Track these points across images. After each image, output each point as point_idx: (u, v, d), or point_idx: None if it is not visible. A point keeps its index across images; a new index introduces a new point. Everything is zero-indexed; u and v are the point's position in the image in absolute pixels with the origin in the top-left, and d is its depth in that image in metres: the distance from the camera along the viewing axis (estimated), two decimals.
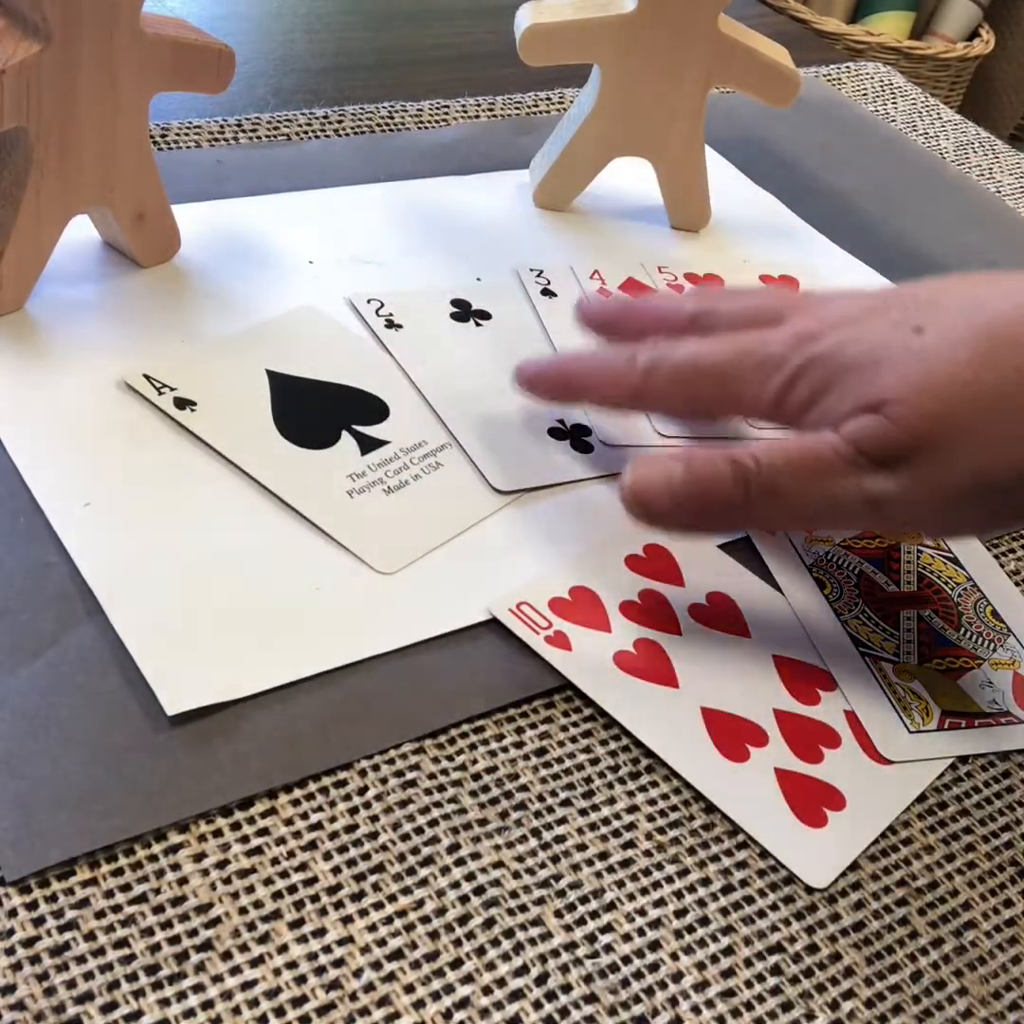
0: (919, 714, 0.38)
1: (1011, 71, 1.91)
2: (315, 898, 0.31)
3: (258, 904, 0.30)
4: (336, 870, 0.31)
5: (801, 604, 0.41)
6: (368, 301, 0.49)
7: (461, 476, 0.43)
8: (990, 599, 0.43)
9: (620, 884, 0.33)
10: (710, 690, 0.38)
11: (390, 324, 0.48)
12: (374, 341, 0.48)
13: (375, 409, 0.44)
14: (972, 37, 1.78)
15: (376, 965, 0.30)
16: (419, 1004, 0.29)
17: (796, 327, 0.38)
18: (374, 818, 0.33)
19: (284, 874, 0.31)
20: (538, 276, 0.53)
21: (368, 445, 0.43)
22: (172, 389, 0.42)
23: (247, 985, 0.29)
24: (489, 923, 0.31)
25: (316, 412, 0.43)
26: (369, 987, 0.29)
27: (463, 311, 0.50)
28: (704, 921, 0.33)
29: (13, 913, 0.29)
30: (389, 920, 0.31)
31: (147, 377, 0.43)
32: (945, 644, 0.41)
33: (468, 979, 0.30)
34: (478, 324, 0.49)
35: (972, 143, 0.76)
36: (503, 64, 0.67)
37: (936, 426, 0.34)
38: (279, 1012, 0.29)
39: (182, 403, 0.42)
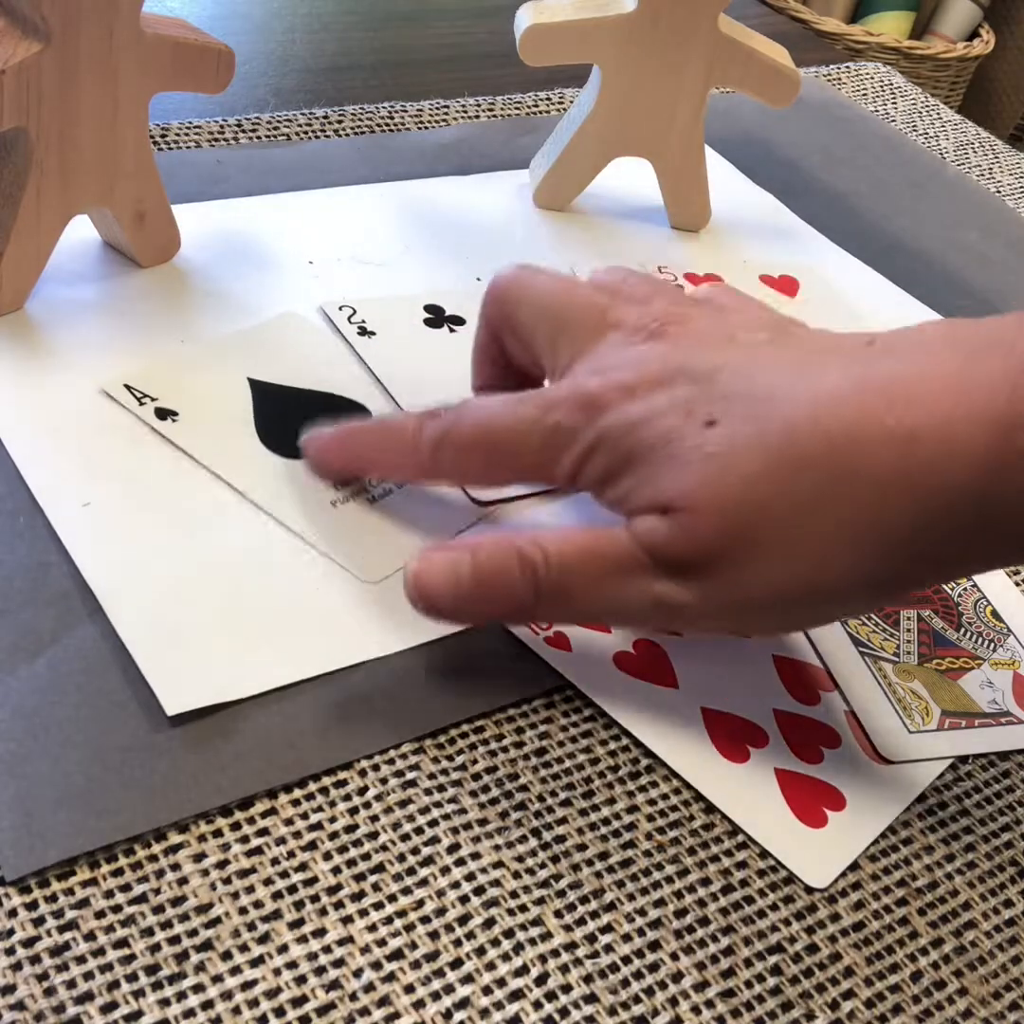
0: (919, 714, 0.38)
1: (1011, 71, 1.91)
2: (315, 898, 0.31)
3: (258, 904, 0.30)
4: (336, 870, 0.31)
5: None
6: (339, 308, 0.48)
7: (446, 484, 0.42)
8: (990, 599, 0.43)
9: (620, 884, 0.33)
10: (710, 690, 0.38)
11: (362, 331, 0.48)
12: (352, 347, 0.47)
13: (357, 417, 0.44)
14: (972, 37, 1.78)
15: (376, 965, 0.30)
16: (419, 1004, 0.29)
17: (581, 389, 0.35)
18: (374, 818, 0.33)
19: (284, 874, 0.31)
20: None
21: None
22: (153, 399, 0.42)
23: (247, 985, 0.29)
24: (489, 923, 0.31)
25: (299, 420, 0.43)
26: (369, 987, 0.29)
27: (436, 317, 0.50)
28: (704, 921, 0.33)
29: (13, 913, 0.29)
30: (389, 920, 0.31)
31: (128, 387, 0.42)
32: (945, 644, 0.41)
33: (468, 979, 0.30)
34: (452, 330, 0.49)
35: (972, 143, 0.76)
36: (503, 64, 0.67)
37: (726, 541, 0.32)
38: (279, 1012, 0.29)
39: (163, 414, 0.42)
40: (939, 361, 0.32)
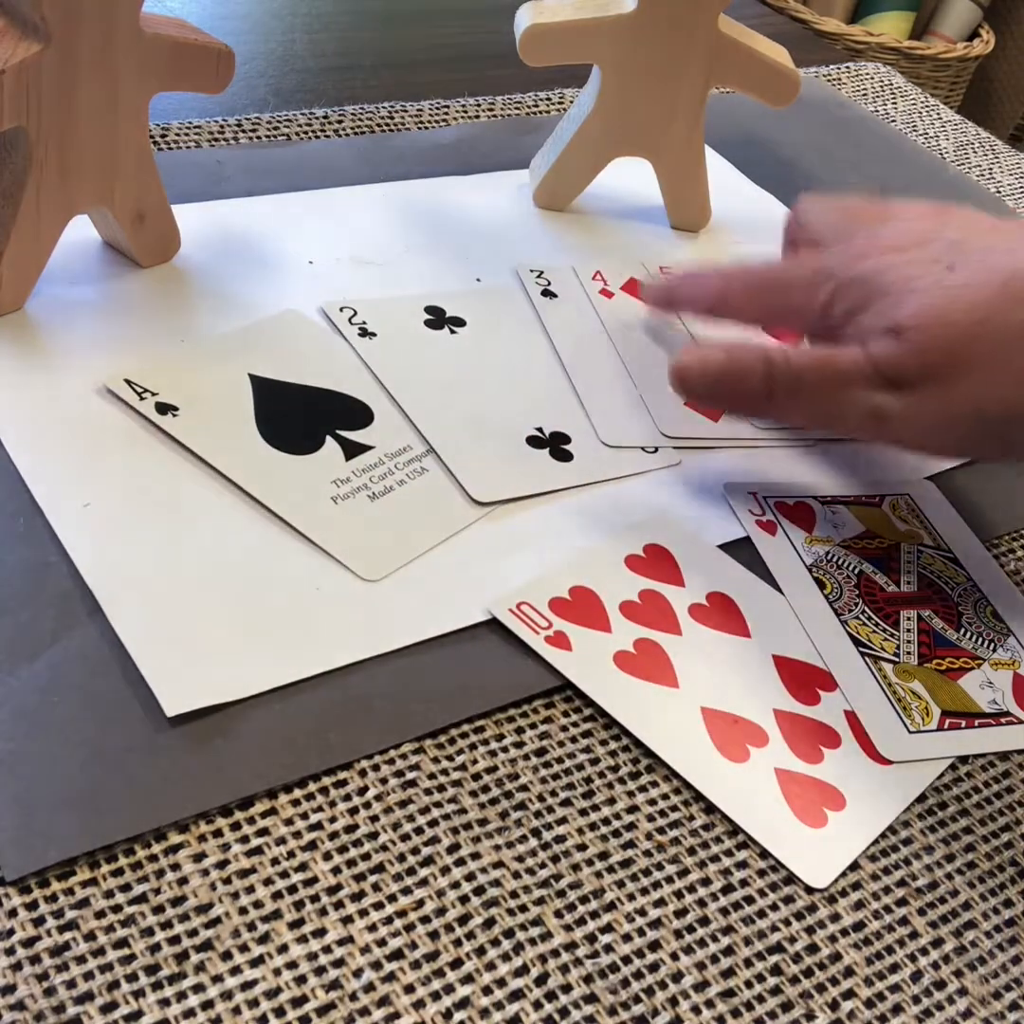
0: (919, 714, 0.38)
1: (1011, 71, 1.91)
2: (315, 898, 0.31)
3: (258, 904, 0.30)
4: (336, 870, 0.31)
5: (801, 604, 0.41)
6: (341, 309, 0.48)
7: (446, 482, 0.42)
8: (990, 599, 0.43)
9: (620, 884, 0.33)
10: (710, 690, 0.38)
11: (364, 333, 0.48)
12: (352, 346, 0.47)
13: (359, 414, 0.44)
14: (972, 37, 1.78)
15: (376, 965, 0.30)
16: (419, 1004, 0.29)
17: (853, 246, 0.43)
18: (374, 818, 0.33)
19: (284, 874, 0.31)
20: (538, 277, 0.53)
21: (352, 450, 0.42)
22: (154, 394, 0.42)
23: (247, 985, 0.29)
24: (489, 923, 0.31)
25: (300, 417, 0.43)
26: (369, 987, 0.29)
27: (437, 319, 0.50)
28: (704, 921, 0.33)
29: (13, 913, 0.29)
30: (389, 920, 0.31)
31: (129, 382, 0.42)
32: (945, 644, 0.41)
33: (468, 979, 0.30)
34: (452, 332, 0.49)
35: (972, 143, 0.76)
36: (503, 64, 0.67)
37: (945, 357, 0.38)
38: (279, 1012, 0.29)
39: (164, 408, 0.42)
40: None
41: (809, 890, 0.34)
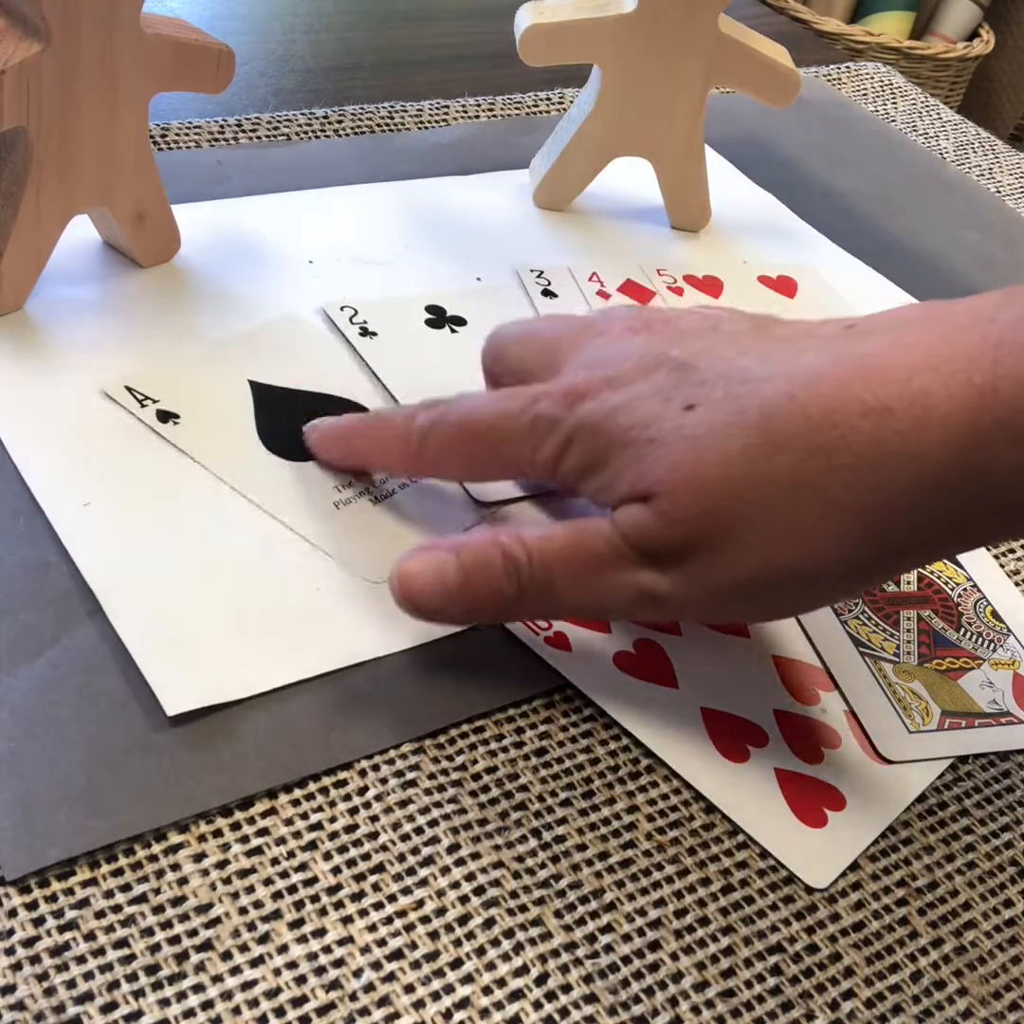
0: (919, 714, 0.38)
1: (1011, 71, 1.91)
2: (315, 898, 0.31)
3: (258, 904, 0.30)
4: (336, 870, 0.31)
5: None
6: (341, 309, 0.48)
7: (448, 485, 0.42)
8: (990, 599, 0.43)
9: (620, 884, 0.33)
10: (710, 690, 0.38)
11: (364, 332, 0.48)
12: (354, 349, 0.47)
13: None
14: (972, 37, 1.78)
15: (376, 965, 0.30)
16: (419, 1004, 0.29)
17: (565, 382, 0.36)
18: (374, 818, 0.33)
19: (284, 874, 0.31)
20: (539, 277, 0.53)
21: None
22: (154, 401, 0.42)
23: (247, 985, 0.29)
24: (489, 923, 0.31)
25: (300, 422, 0.43)
26: (369, 987, 0.29)
27: (438, 318, 0.50)
28: (704, 921, 0.33)
29: (13, 913, 0.29)
30: (389, 920, 0.31)
31: (129, 389, 0.42)
32: (945, 644, 0.41)
33: (468, 979, 0.30)
34: (453, 331, 0.49)
35: (972, 143, 0.76)
36: (503, 64, 0.67)
37: (705, 523, 0.32)
38: (279, 1012, 0.29)
39: (165, 416, 0.42)
40: (917, 336, 0.32)
41: (809, 890, 0.34)
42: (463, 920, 0.31)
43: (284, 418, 0.43)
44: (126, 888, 0.30)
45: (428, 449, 0.38)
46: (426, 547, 0.36)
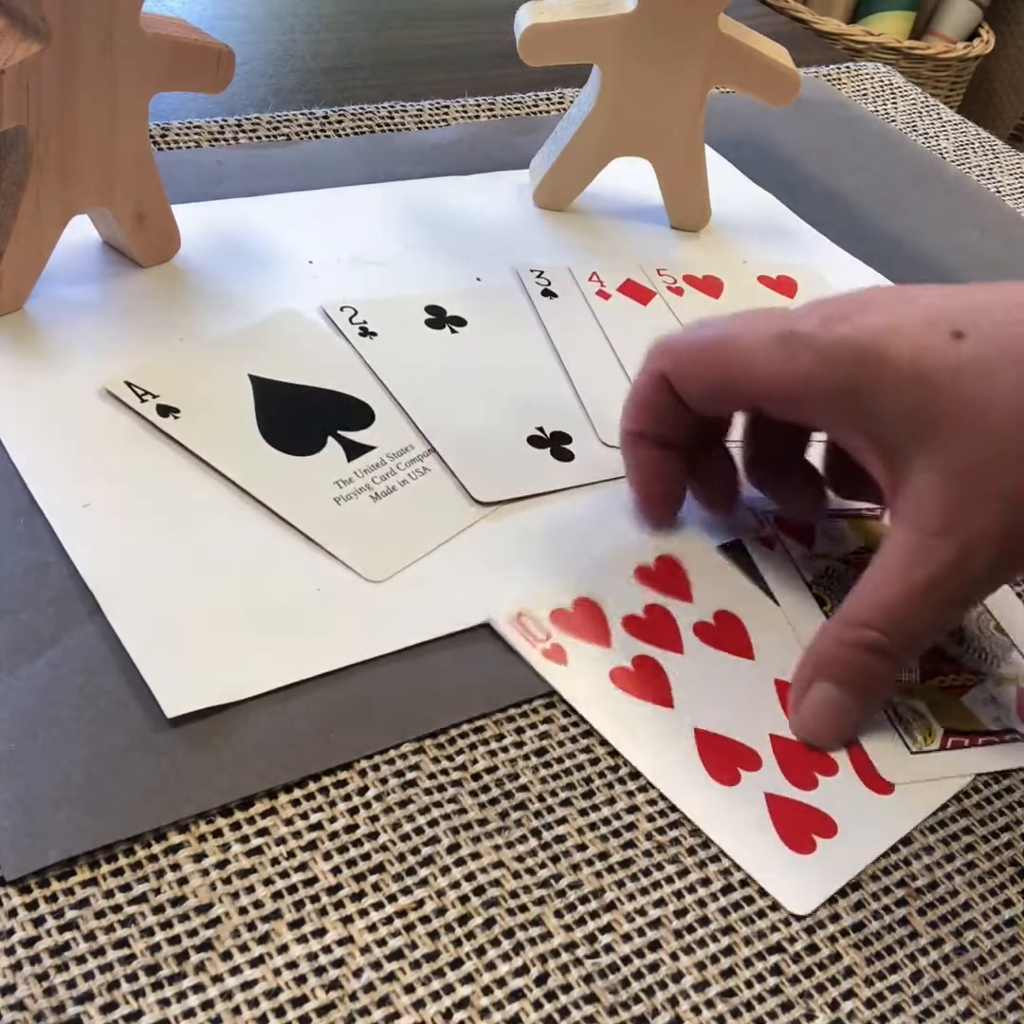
0: (921, 734, 0.38)
1: (1011, 71, 1.91)
2: (315, 898, 0.31)
3: (258, 904, 0.30)
4: (336, 870, 0.31)
5: (799, 622, 0.40)
6: (341, 309, 0.48)
7: (448, 482, 0.42)
8: (993, 613, 0.43)
9: (620, 884, 0.33)
10: (706, 712, 0.37)
11: (364, 332, 0.47)
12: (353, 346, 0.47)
13: (360, 414, 0.44)
14: (972, 37, 1.78)
15: (376, 965, 0.30)
16: (419, 1004, 0.29)
17: (815, 306, 0.37)
18: (374, 818, 0.33)
19: (284, 874, 0.31)
20: (538, 277, 0.53)
21: (354, 451, 0.42)
22: (154, 396, 0.42)
23: (247, 985, 0.29)
24: (489, 923, 0.31)
25: (301, 418, 0.43)
26: (369, 987, 0.29)
27: (438, 318, 0.50)
28: (704, 921, 0.33)
29: (13, 913, 0.29)
30: (389, 920, 0.31)
31: (129, 384, 0.42)
32: (946, 660, 0.40)
33: (468, 979, 0.30)
34: (453, 331, 0.49)
35: (972, 143, 0.76)
36: (503, 64, 0.67)
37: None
38: (279, 1012, 0.29)
39: (165, 410, 0.42)
40: None
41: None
42: (463, 920, 0.31)
43: (285, 413, 0.43)
44: (126, 888, 0.30)
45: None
46: (808, 702, 0.36)
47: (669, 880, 0.33)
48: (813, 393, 0.36)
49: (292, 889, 0.31)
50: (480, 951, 0.31)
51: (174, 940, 0.29)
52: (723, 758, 0.36)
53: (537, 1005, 0.30)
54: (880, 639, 0.35)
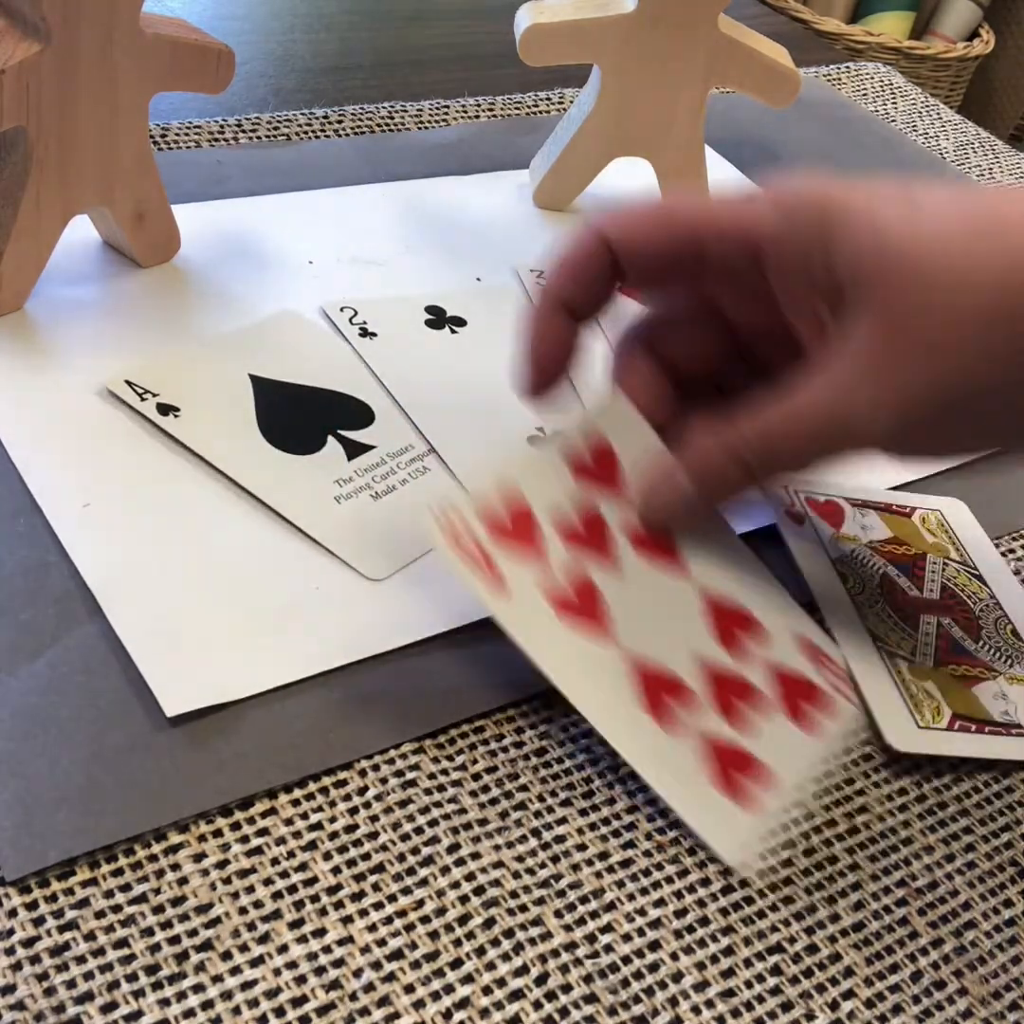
0: (930, 712, 0.38)
1: (1011, 71, 1.91)
2: (315, 898, 0.31)
3: (258, 904, 0.30)
4: (336, 870, 0.31)
5: (822, 593, 0.41)
6: (341, 309, 0.48)
7: (449, 481, 0.42)
8: (1011, 618, 0.43)
9: (620, 884, 0.33)
10: (639, 637, 0.36)
11: (364, 333, 0.47)
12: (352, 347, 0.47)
13: (360, 413, 0.44)
14: (972, 37, 1.78)
15: (376, 965, 0.30)
16: (419, 1004, 0.29)
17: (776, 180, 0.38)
18: (374, 818, 0.33)
19: (284, 874, 0.31)
20: (539, 277, 0.53)
21: (354, 450, 0.42)
22: (154, 395, 0.42)
23: (247, 985, 0.29)
24: (489, 923, 0.31)
25: (301, 417, 0.43)
26: (369, 987, 0.29)
27: (438, 319, 0.50)
28: (704, 921, 0.33)
29: (13, 913, 0.29)
30: (389, 920, 0.31)
31: (130, 383, 0.42)
32: (962, 652, 0.41)
33: (468, 979, 0.30)
34: (453, 331, 0.49)
35: (972, 143, 0.76)
36: (503, 64, 0.67)
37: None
38: (279, 1012, 0.29)
39: (165, 409, 0.42)
40: None
41: (809, 890, 0.34)
42: (463, 920, 0.31)
43: (285, 412, 0.43)
44: (126, 888, 0.30)
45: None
46: (659, 477, 0.38)
47: (669, 880, 0.33)
48: (775, 243, 0.36)
49: (292, 889, 0.31)
50: (480, 951, 0.31)
51: (174, 940, 0.29)
52: (658, 695, 0.36)
53: (537, 1005, 0.30)
54: (745, 452, 0.36)
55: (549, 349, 0.39)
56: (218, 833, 0.32)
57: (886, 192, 0.35)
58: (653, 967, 0.31)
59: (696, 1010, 0.31)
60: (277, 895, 0.31)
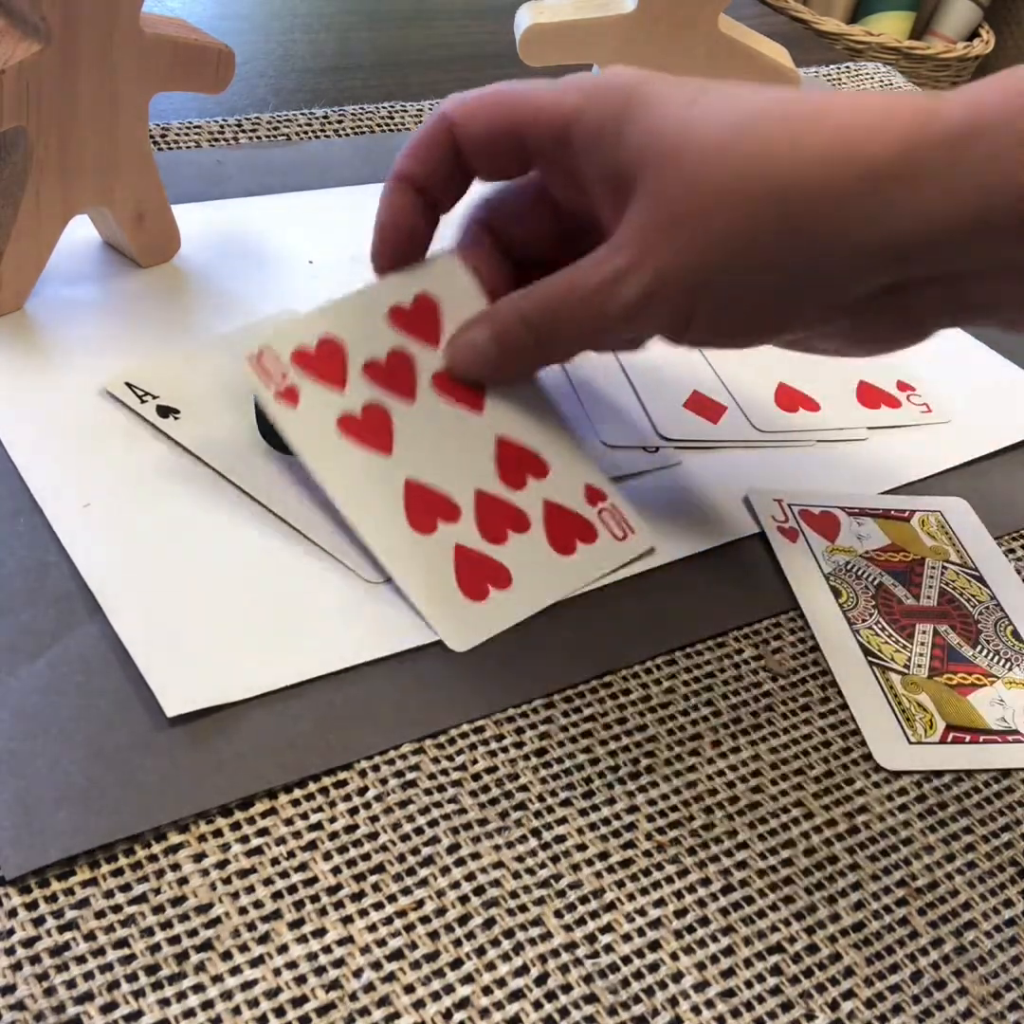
0: (922, 726, 0.38)
1: None
2: (315, 898, 0.31)
3: (258, 904, 0.30)
4: (336, 870, 0.31)
5: (813, 609, 0.41)
6: None
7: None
8: (1012, 619, 0.43)
9: (620, 884, 0.33)
10: (421, 462, 0.38)
11: None
12: None
13: None
14: (972, 37, 1.78)
15: (376, 965, 0.30)
16: (419, 1004, 0.29)
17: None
18: (374, 818, 0.33)
19: (284, 874, 0.31)
20: None
21: None
22: (154, 397, 0.42)
23: (247, 985, 0.29)
24: (489, 923, 0.31)
25: None
26: (369, 987, 0.29)
27: None
28: (704, 921, 0.33)
29: (13, 913, 0.29)
30: (389, 920, 0.31)
31: (129, 385, 0.42)
32: (959, 660, 0.41)
33: (468, 979, 0.30)
34: None
35: None
36: (503, 64, 0.67)
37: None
38: (279, 1012, 0.29)
39: (165, 411, 0.42)
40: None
41: (809, 890, 0.34)
42: (463, 920, 0.31)
43: None
44: (126, 888, 0.30)
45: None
46: (463, 337, 0.41)
47: (669, 880, 0.33)
48: (579, 123, 0.38)
49: (292, 889, 0.31)
50: (480, 951, 0.31)
51: (174, 940, 0.29)
52: (425, 508, 0.37)
53: (537, 1005, 0.30)
54: (531, 317, 0.39)
55: (394, 223, 0.42)
56: (218, 833, 0.32)
57: (684, 85, 0.37)
58: (653, 967, 0.31)
59: (696, 1010, 0.31)
60: (277, 895, 0.31)
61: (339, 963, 0.30)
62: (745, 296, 0.36)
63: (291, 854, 0.32)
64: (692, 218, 0.35)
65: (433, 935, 0.31)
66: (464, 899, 0.32)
